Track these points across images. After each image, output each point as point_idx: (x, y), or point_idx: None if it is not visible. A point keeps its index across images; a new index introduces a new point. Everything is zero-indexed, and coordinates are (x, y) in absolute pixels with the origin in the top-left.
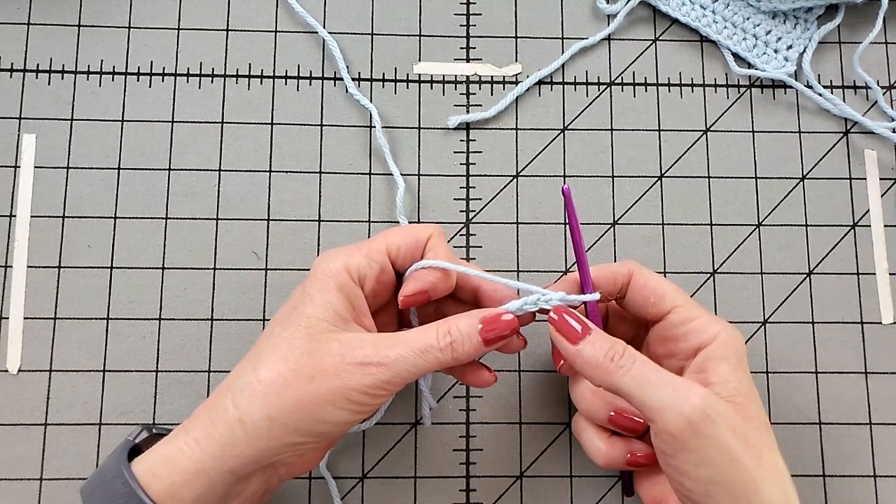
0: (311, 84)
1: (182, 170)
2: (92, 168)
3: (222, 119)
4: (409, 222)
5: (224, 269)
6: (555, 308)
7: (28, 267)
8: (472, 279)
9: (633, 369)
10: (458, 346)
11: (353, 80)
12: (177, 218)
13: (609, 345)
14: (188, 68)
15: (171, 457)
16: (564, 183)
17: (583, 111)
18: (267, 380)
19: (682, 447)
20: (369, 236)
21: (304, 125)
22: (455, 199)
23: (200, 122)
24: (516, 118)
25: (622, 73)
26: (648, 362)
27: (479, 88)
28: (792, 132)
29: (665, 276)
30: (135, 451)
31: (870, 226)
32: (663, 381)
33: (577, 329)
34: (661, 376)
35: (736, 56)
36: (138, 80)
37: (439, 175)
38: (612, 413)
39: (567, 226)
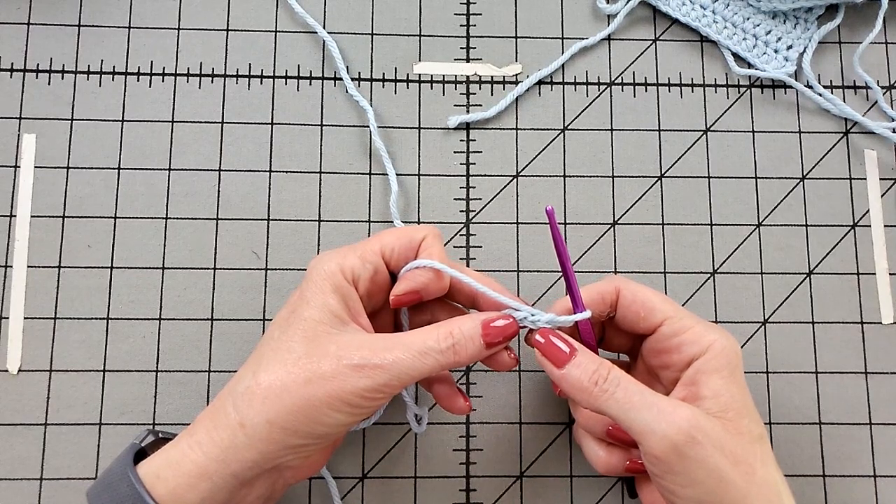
0: (310, 84)
1: (182, 170)
2: (92, 168)
3: (222, 119)
4: (407, 223)
5: (224, 269)
6: (540, 331)
7: (28, 267)
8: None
9: (616, 392)
10: (460, 348)
11: (353, 80)
12: (177, 218)
13: (594, 367)
14: (188, 68)
15: (176, 460)
16: (553, 202)
17: (583, 111)
18: (266, 384)
19: (669, 469)
20: (369, 236)
21: (304, 125)
22: (455, 199)
23: (200, 122)
24: (516, 118)
25: (622, 73)
26: (633, 384)
27: (479, 88)
28: (792, 132)
29: (665, 276)
30: (140, 454)
31: (870, 226)
32: (647, 404)
33: (563, 350)
34: (644, 398)
35: (736, 56)
36: (138, 80)
37: (439, 175)
38: (610, 427)
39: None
